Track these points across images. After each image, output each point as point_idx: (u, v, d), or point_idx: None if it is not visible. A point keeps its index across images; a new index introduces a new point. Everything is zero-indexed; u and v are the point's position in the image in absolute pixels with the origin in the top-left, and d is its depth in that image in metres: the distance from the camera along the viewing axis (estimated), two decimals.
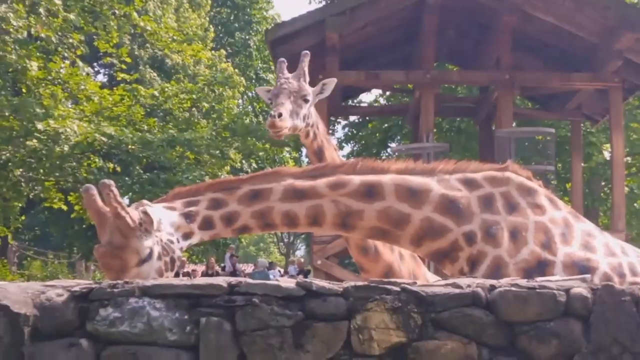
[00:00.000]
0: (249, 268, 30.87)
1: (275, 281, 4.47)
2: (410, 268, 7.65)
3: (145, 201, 5.84)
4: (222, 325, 4.14)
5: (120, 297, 4.18)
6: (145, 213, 5.47)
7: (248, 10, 48.22)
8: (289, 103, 7.26)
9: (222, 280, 4.33)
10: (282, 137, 7.35)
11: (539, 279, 4.66)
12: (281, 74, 7.69)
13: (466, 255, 5.85)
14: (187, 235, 5.79)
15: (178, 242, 5.71)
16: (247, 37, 46.98)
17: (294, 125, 7.26)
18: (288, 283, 4.38)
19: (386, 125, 34.06)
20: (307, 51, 7.85)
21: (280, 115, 7.04)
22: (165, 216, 5.68)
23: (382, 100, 35.84)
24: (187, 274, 26.87)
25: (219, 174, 29.64)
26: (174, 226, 5.70)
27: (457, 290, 4.30)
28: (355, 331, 4.17)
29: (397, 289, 4.26)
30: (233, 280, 4.34)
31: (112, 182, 5.49)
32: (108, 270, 5.44)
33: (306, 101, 7.42)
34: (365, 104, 33.90)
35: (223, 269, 29.13)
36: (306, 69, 7.68)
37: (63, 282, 4.42)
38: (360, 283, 4.36)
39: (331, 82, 7.75)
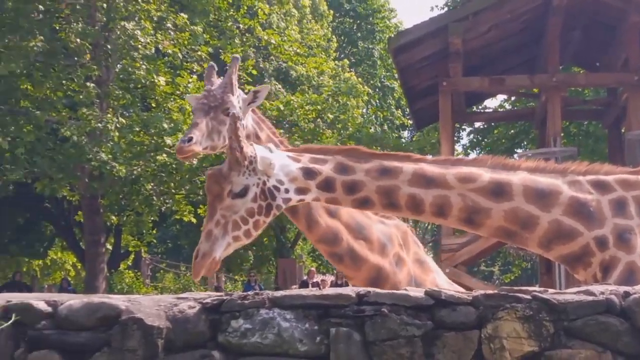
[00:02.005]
0: None
1: (404, 290, 4.44)
2: (412, 274, 7.13)
3: (272, 145, 6.03)
4: (351, 336, 4.13)
5: (251, 309, 4.22)
6: (255, 153, 5.61)
7: (371, 19, 48.20)
8: (206, 122, 6.65)
9: (350, 291, 4.32)
10: (190, 157, 6.89)
11: None
12: (208, 83, 7.08)
13: (598, 260, 5.69)
14: (301, 190, 5.75)
15: (286, 192, 5.70)
16: (370, 46, 46.98)
17: (212, 145, 6.68)
18: (417, 292, 4.35)
19: (512, 131, 33.64)
20: (237, 56, 7.28)
21: (189, 140, 6.46)
22: (283, 164, 5.71)
23: (507, 106, 35.41)
24: (316, 284, 26.99)
25: None
26: (289, 176, 5.69)
27: (590, 298, 4.19)
28: (486, 340, 4.11)
29: (528, 297, 4.19)
30: (362, 290, 4.33)
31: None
32: (208, 192, 5.69)
33: (229, 115, 6.57)
34: (491, 110, 33.55)
35: None
36: (234, 77, 7.01)
37: (194, 294, 4.49)
38: (490, 291, 4.30)
39: (264, 90, 7.03)
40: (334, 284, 27.13)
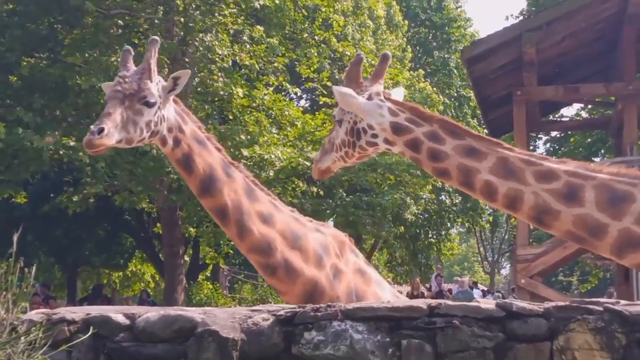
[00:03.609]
0: (453, 288, 30.65)
1: (475, 302, 4.47)
2: (352, 286, 6.77)
3: (381, 92, 6.29)
4: (423, 348, 4.17)
5: (324, 321, 4.28)
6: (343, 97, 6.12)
7: (447, 28, 47.98)
8: (120, 112, 6.01)
9: (422, 303, 4.37)
10: (102, 152, 6.10)
11: None
12: (124, 68, 6.36)
13: None
14: (388, 141, 6.11)
15: (373, 137, 6.11)
16: (446, 55, 46.77)
17: (127, 138, 6.07)
18: (488, 304, 4.37)
19: (589, 139, 33.23)
20: (156, 38, 6.59)
21: (100, 131, 5.81)
22: (379, 113, 6.09)
23: (583, 114, 35.01)
24: None
25: (421, 193, 29.68)
26: (380, 126, 6.08)
27: None
28: (557, 352, 4.13)
29: (600, 308, 4.19)
30: (433, 302, 4.37)
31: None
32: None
33: (148, 105, 6.16)
34: (567, 119, 33.20)
35: (429, 289, 29.03)
36: (153, 62, 6.37)
37: (268, 306, 4.57)
38: (561, 303, 4.31)
39: (184, 76, 6.46)
40: (410, 295, 27.11)
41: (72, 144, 20.03)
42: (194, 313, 4.32)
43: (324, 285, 6.50)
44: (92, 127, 5.85)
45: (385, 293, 7.09)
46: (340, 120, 6.20)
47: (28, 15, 24.08)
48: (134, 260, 40.74)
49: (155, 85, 6.25)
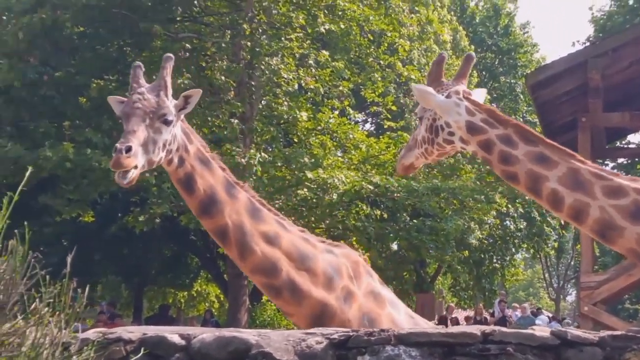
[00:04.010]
0: (512, 313, 30.41)
1: (530, 330, 4.47)
2: (364, 309, 6.43)
3: (461, 91, 6.40)
4: None
5: (377, 345, 4.27)
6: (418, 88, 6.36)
7: (513, 54, 47.80)
8: (143, 129, 5.73)
9: (476, 329, 4.36)
10: (131, 182, 5.69)
11: None
12: (135, 84, 6.07)
13: None
14: (463, 140, 6.23)
15: (450, 135, 6.29)
16: (512, 81, 46.54)
17: (148, 159, 5.76)
18: (542, 332, 4.37)
19: None
20: (171, 55, 6.42)
21: (129, 150, 5.51)
22: (457, 111, 6.24)
23: None
24: (455, 321, 26.85)
25: (485, 218, 29.52)
26: (457, 124, 6.21)
27: None
28: None
29: None
30: (487, 328, 4.37)
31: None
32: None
33: (167, 123, 5.88)
34: (634, 145, 32.81)
35: (492, 314, 28.83)
36: (168, 79, 6.16)
37: (323, 329, 4.57)
38: (617, 332, 4.28)
39: (196, 94, 6.22)
40: (474, 320, 26.96)
41: None
42: (249, 335, 4.35)
43: (334, 308, 6.25)
44: (117, 145, 5.54)
45: (400, 314, 6.78)
46: (421, 118, 6.36)
47: (98, 38, 24.54)
48: (199, 281, 41.03)
49: (171, 102, 6.07)
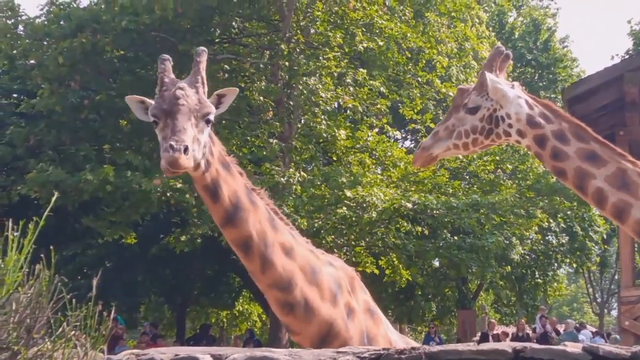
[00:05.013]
0: (561, 329, 30.15)
1: (562, 346, 4.46)
2: (363, 327, 6.14)
3: (517, 83, 6.45)
4: None
5: None
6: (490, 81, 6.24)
7: (552, 68, 47.60)
8: (191, 128, 5.24)
9: (507, 346, 4.34)
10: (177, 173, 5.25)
11: None
12: (167, 78, 5.59)
13: None
14: (520, 133, 6.21)
15: (509, 127, 6.24)
16: (552, 95, 46.28)
17: (196, 160, 5.25)
18: (574, 348, 4.36)
19: None
20: (204, 48, 5.93)
21: (186, 149, 5.04)
22: (518, 103, 6.22)
23: None
24: (496, 337, 26.71)
25: (527, 234, 29.36)
26: (517, 115, 6.19)
27: None
28: None
29: None
30: (518, 345, 4.36)
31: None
32: (453, 102, 6.49)
33: (208, 123, 5.43)
34: None
35: (534, 330, 28.64)
36: (204, 74, 5.71)
37: (353, 348, 4.55)
38: None
39: (230, 93, 5.81)
40: (515, 336, 26.79)
41: (179, 186, 20.49)
42: (280, 355, 4.35)
43: (340, 326, 5.91)
44: (172, 142, 5.02)
45: (394, 334, 6.61)
46: (477, 107, 6.27)
47: (138, 61, 24.80)
48: (241, 300, 41.11)
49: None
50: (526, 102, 6.19)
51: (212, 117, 5.45)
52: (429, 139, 6.42)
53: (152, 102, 5.51)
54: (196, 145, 5.19)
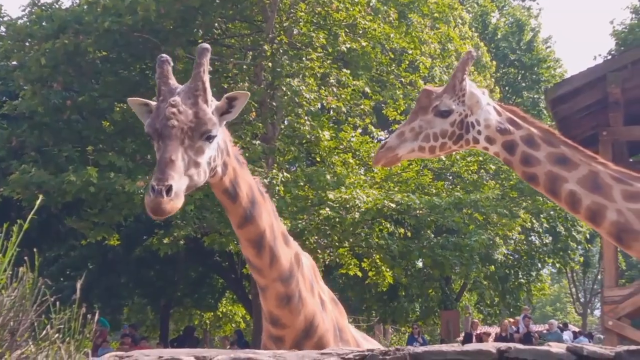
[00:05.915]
0: (543, 329, 30.24)
1: (546, 346, 4.46)
2: (333, 318, 5.88)
3: (486, 90, 6.36)
4: None
5: None
6: (468, 88, 6.07)
7: (536, 69, 47.76)
8: (182, 155, 4.63)
9: (491, 346, 4.34)
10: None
11: None
12: (164, 86, 4.91)
13: None
14: (489, 139, 6.11)
15: (478, 134, 6.08)
16: (535, 96, 46.46)
17: (190, 186, 4.68)
18: (559, 348, 4.36)
19: None
20: (207, 45, 5.06)
21: (169, 190, 4.46)
22: (487, 110, 6.11)
23: None
24: (479, 338, 26.76)
25: (510, 234, 29.45)
26: (486, 122, 6.08)
27: None
28: None
29: None
30: (502, 345, 4.36)
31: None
32: (417, 102, 6.24)
33: (210, 139, 4.82)
34: None
35: (517, 330, 28.71)
36: (206, 79, 4.94)
37: (338, 349, 4.53)
38: (633, 347, 4.25)
39: (242, 97, 5.16)
40: (499, 336, 26.86)
41: None
42: (264, 356, 4.33)
43: (319, 318, 5.63)
44: (153, 183, 4.49)
45: (352, 328, 6.41)
46: (449, 111, 6.06)
47: (120, 62, 24.74)
48: (224, 301, 41.07)
49: (211, 109, 4.94)
50: (494, 108, 6.13)
51: (214, 133, 4.84)
52: (394, 138, 6.11)
53: (154, 103, 5.02)
54: (193, 169, 4.67)
